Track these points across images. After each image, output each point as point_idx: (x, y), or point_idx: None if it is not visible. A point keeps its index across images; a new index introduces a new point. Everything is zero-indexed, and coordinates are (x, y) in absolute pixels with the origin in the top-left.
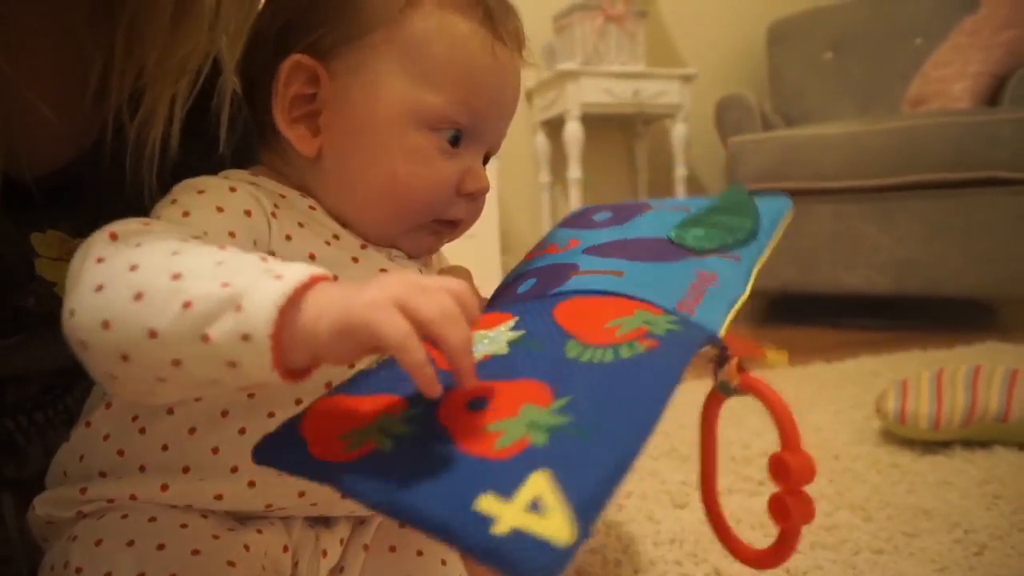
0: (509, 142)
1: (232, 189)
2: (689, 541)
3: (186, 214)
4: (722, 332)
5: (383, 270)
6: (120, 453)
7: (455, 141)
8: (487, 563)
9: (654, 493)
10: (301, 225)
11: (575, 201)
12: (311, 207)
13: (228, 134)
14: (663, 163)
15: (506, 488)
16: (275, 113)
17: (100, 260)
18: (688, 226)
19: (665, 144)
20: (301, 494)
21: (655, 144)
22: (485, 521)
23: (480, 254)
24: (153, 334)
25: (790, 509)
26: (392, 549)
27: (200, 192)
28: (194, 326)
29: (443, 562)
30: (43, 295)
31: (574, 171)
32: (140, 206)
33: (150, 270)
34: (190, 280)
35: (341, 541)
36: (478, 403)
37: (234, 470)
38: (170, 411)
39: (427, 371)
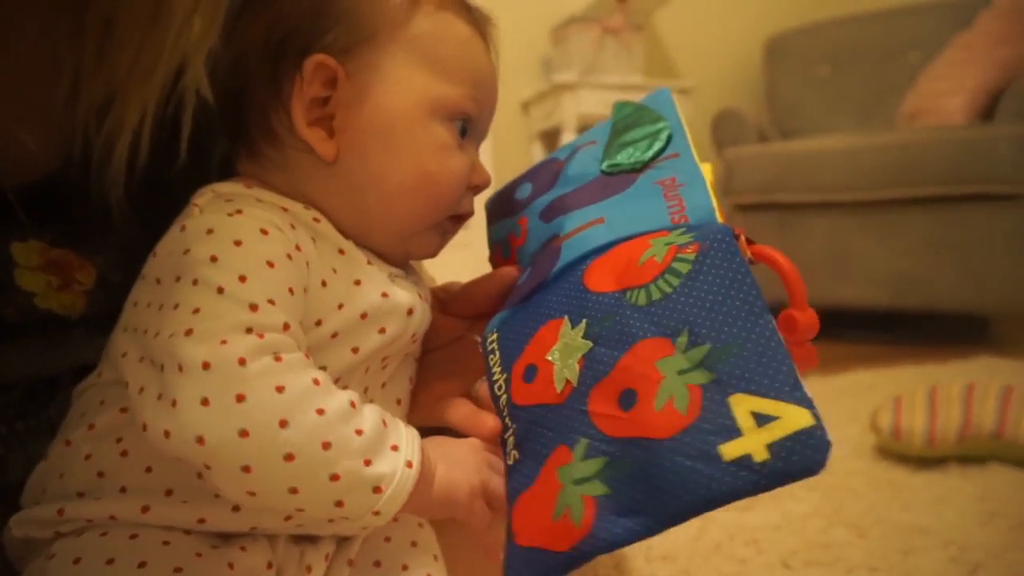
0: (505, 152)
1: (264, 232)
2: (682, 558)
3: (243, 279)
4: (720, 218)
5: (384, 295)
6: (100, 475)
7: (463, 133)
8: (778, 486)
9: None
10: (314, 242)
11: None
12: (315, 219)
13: (211, 141)
14: None
15: (728, 430)
16: (295, 116)
17: (241, 399)
18: (614, 153)
19: None
20: (288, 518)
21: None
22: (745, 461)
23: (473, 263)
24: (294, 491)
25: (795, 359)
26: (377, 564)
27: (237, 244)
28: (334, 495)
29: None
30: (22, 305)
31: None
32: (107, 219)
33: (302, 433)
34: (338, 453)
35: (326, 557)
36: (625, 397)
37: (218, 494)
38: None
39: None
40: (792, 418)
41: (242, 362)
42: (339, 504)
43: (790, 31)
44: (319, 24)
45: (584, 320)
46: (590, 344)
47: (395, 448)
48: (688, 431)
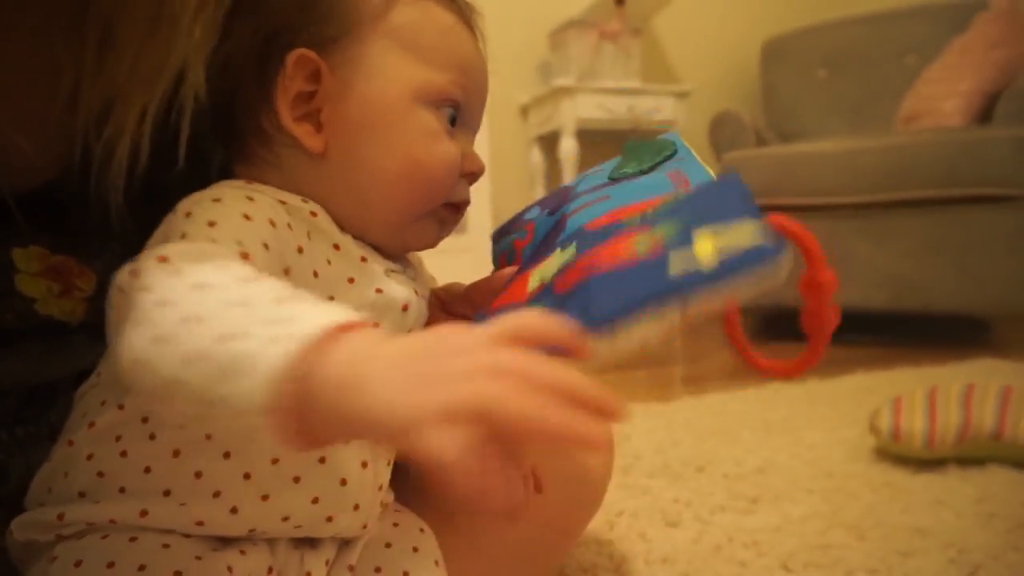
0: (504, 156)
1: (250, 198)
2: (681, 560)
3: (211, 224)
4: None
5: (379, 290)
6: (100, 475)
7: (453, 121)
8: (733, 278)
9: (646, 511)
10: (309, 236)
11: None
12: (312, 213)
13: (211, 145)
14: None
15: (688, 238)
16: (280, 111)
17: (148, 289)
18: (622, 166)
19: None
20: (285, 518)
21: None
22: (693, 267)
23: (475, 269)
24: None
25: (823, 320)
26: (378, 570)
27: (216, 200)
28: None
29: None
30: (22, 311)
31: None
32: (106, 225)
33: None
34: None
35: (327, 562)
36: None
37: (217, 495)
38: (152, 436)
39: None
40: (747, 233)
41: (162, 260)
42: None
43: (787, 34)
44: (301, 20)
45: (574, 243)
46: (574, 251)
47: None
48: (646, 262)
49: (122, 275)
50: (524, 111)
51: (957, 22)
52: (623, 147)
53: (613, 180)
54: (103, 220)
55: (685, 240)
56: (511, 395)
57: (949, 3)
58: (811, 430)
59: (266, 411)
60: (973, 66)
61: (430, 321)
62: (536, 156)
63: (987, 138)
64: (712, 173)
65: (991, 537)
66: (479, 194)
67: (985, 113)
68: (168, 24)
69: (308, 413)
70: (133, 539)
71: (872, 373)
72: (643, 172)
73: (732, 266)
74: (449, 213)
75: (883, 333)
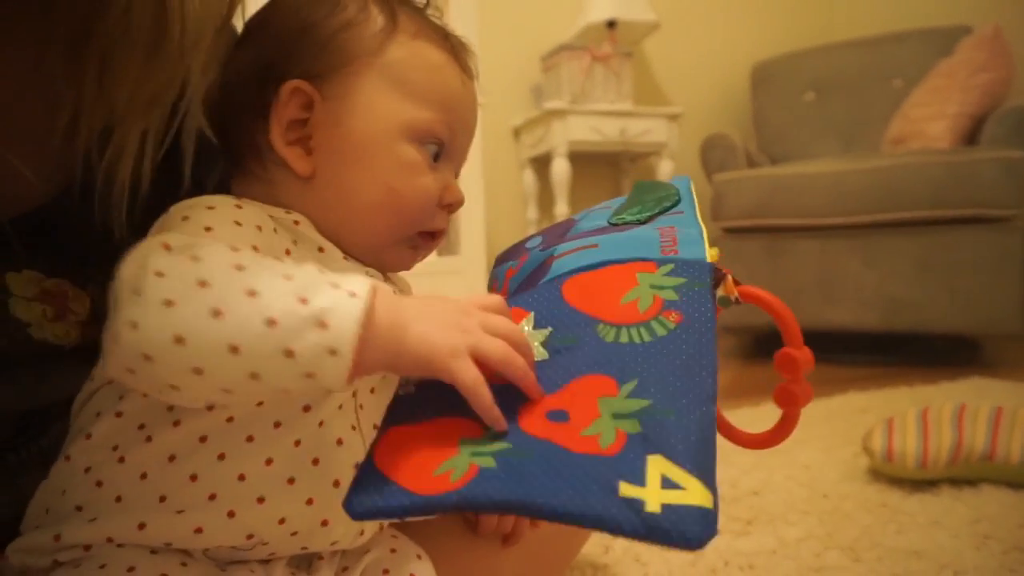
0: (497, 178)
1: (238, 206)
2: None
3: (208, 229)
4: (708, 259)
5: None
6: (99, 484)
7: (436, 157)
8: (650, 541)
9: None
10: (295, 242)
11: None
12: (295, 222)
13: (207, 170)
14: None
15: (635, 477)
16: (272, 136)
17: (160, 274)
18: (623, 210)
19: None
20: (281, 521)
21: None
22: (636, 503)
23: (467, 290)
24: (235, 350)
25: (797, 396)
26: None
27: (210, 208)
28: (279, 342)
29: None
30: (15, 336)
31: (561, 207)
32: (109, 246)
33: (222, 287)
34: (268, 297)
35: None
36: (558, 415)
37: (212, 497)
38: (149, 439)
39: (494, 412)
40: (695, 493)
41: (166, 247)
42: (289, 354)
43: (776, 58)
44: (299, 52)
45: (549, 328)
46: (545, 356)
47: (335, 285)
48: (600, 459)
49: (127, 268)
50: (517, 133)
51: (942, 47)
52: (633, 185)
53: (612, 224)
54: (101, 243)
55: (641, 457)
56: (501, 349)
57: (934, 28)
58: (805, 450)
59: (349, 353)
60: (958, 89)
61: None
62: (529, 177)
63: (975, 160)
64: (704, 230)
65: (986, 558)
66: (473, 216)
67: (971, 135)
68: (167, 52)
69: (366, 351)
70: (131, 569)
71: (865, 392)
72: (640, 222)
73: (668, 527)
74: (424, 240)
75: (875, 353)
